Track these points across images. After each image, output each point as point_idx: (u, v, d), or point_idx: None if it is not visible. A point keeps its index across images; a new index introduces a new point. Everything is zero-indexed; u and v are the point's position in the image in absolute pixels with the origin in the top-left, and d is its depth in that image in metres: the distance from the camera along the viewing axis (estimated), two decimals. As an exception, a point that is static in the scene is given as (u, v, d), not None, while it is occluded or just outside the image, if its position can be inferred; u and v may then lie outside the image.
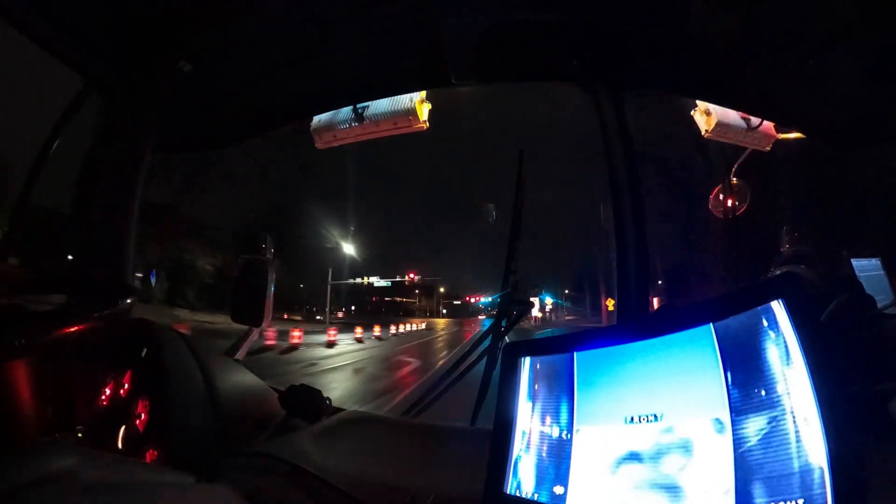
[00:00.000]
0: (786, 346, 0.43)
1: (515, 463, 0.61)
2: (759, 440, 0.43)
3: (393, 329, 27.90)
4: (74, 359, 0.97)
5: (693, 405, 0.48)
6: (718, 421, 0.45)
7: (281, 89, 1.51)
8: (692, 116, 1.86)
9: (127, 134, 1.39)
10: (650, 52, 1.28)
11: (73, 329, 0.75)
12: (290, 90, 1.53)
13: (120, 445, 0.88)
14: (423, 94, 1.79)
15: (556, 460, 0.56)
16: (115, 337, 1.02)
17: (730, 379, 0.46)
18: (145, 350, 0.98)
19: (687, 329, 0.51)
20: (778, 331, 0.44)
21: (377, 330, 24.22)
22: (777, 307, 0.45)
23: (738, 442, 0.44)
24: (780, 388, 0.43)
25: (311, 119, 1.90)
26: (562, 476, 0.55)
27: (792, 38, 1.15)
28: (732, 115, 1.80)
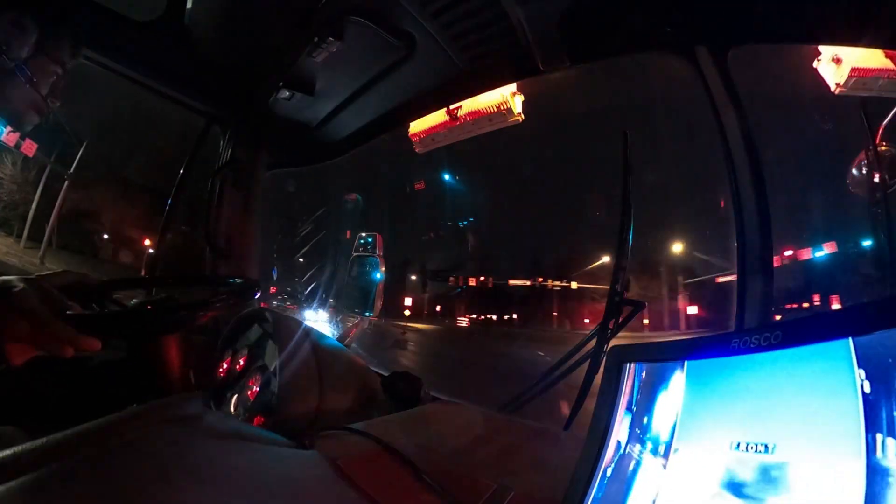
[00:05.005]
0: None
1: (603, 476, 0.57)
2: None
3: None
4: (207, 337, 1.19)
5: (814, 441, 0.39)
6: (848, 469, 0.35)
7: (376, 102, 1.62)
8: (815, 69, 1.44)
9: (244, 158, 1.71)
10: None
11: (212, 314, 0.93)
12: (384, 101, 1.63)
13: (232, 410, 1.05)
14: (514, 86, 1.77)
15: (647, 480, 0.52)
16: (235, 321, 1.22)
17: (870, 414, 0.35)
18: (263, 333, 1.15)
19: (817, 342, 0.42)
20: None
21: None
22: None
23: (871, 502, 0.33)
24: None
25: (409, 125, 2.00)
26: (649, 499, 0.50)
27: None
28: (872, 57, 1.37)
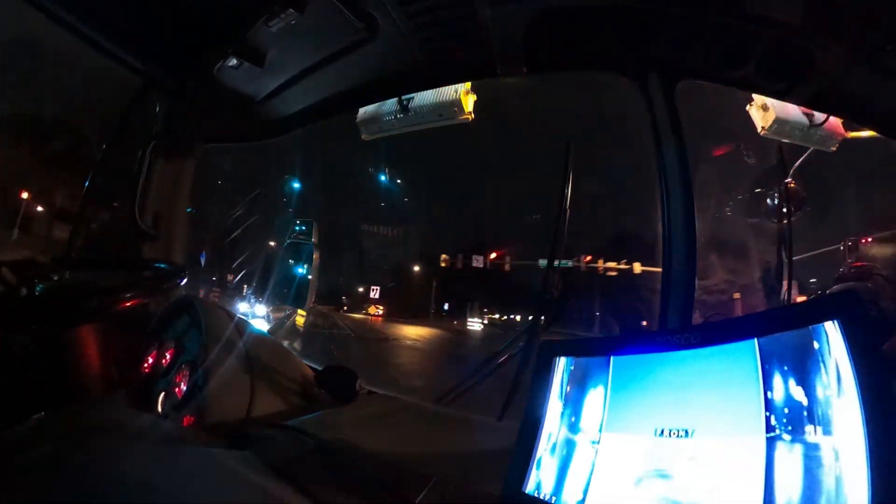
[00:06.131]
0: (838, 374, 0.40)
1: (538, 463, 0.60)
2: (794, 472, 0.40)
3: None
4: (130, 328, 1.07)
5: (727, 424, 0.46)
6: (752, 445, 0.43)
7: (328, 82, 1.56)
8: (747, 112, 1.69)
9: (180, 129, 1.54)
10: (706, 41, 1.19)
11: (134, 302, 0.83)
12: (335, 83, 1.57)
13: (159, 409, 0.96)
14: (468, 85, 1.79)
15: (580, 466, 0.56)
16: (161, 311, 1.12)
17: (769, 401, 0.43)
18: (190, 323, 1.06)
19: (729, 342, 0.49)
20: (830, 355, 0.41)
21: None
22: (831, 328, 0.41)
23: (770, 470, 0.41)
24: (824, 419, 0.39)
25: (357, 111, 1.94)
26: (583, 483, 0.54)
27: (866, 24, 1.03)
28: (793, 111, 1.62)
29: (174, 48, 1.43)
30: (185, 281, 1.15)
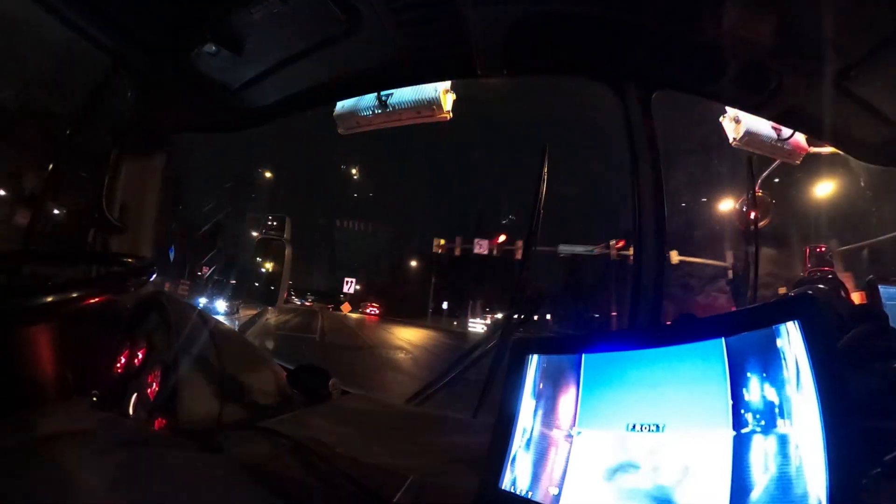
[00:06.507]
0: (797, 370, 0.42)
1: (513, 459, 0.61)
2: (758, 463, 0.42)
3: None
4: (94, 327, 1.02)
5: (696, 419, 0.48)
6: (720, 438, 0.45)
7: (306, 74, 1.53)
8: (720, 122, 1.80)
9: (152, 115, 1.47)
10: (682, 55, 1.25)
11: (96, 299, 0.79)
12: (315, 76, 1.54)
13: (131, 412, 0.92)
14: (448, 84, 1.79)
15: (554, 461, 0.57)
16: (133, 308, 1.07)
17: (735, 397, 0.46)
18: (159, 322, 1.02)
19: (698, 341, 0.51)
20: (790, 353, 0.43)
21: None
22: (792, 328, 0.44)
23: (737, 462, 0.43)
24: (786, 413, 0.42)
25: (335, 104, 1.91)
26: (558, 477, 0.55)
27: (833, 48, 1.10)
28: (763, 125, 1.73)
29: (148, 28, 1.34)
30: (154, 277, 1.11)
